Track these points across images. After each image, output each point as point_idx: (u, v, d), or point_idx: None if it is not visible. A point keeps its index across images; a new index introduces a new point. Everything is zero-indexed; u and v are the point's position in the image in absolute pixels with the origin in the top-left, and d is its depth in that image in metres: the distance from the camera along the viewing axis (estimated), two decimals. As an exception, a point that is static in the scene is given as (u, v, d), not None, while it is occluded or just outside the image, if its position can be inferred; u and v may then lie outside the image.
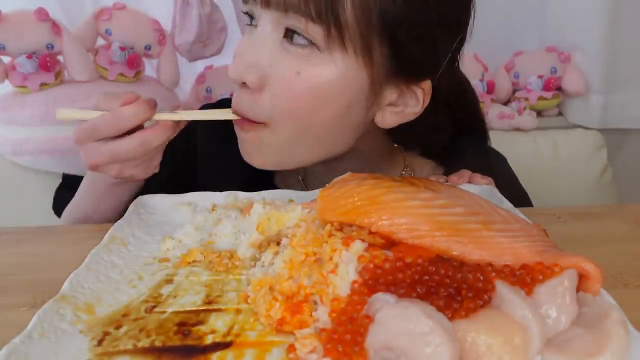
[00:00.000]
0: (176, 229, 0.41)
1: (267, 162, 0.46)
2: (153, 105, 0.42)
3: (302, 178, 0.59)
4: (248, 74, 0.40)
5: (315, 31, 0.38)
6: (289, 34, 0.40)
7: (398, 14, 0.39)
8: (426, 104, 0.45)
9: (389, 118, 0.45)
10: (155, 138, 0.42)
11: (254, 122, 0.43)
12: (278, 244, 0.36)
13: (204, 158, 0.62)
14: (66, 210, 0.55)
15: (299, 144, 0.44)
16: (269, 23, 0.40)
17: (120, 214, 0.43)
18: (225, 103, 0.65)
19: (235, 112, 0.44)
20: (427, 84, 0.44)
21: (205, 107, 0.67)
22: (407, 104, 0.45)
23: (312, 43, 0.39)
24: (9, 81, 0.85)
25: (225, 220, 0.42)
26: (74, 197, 0.54)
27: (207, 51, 1.00)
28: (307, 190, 0.55)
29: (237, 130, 0.46)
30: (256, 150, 0.45)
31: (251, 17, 0.43)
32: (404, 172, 0.56)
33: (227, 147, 0.59)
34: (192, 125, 0.64)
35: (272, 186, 0.59)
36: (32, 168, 0.90)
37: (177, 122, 0.44)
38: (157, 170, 0.47)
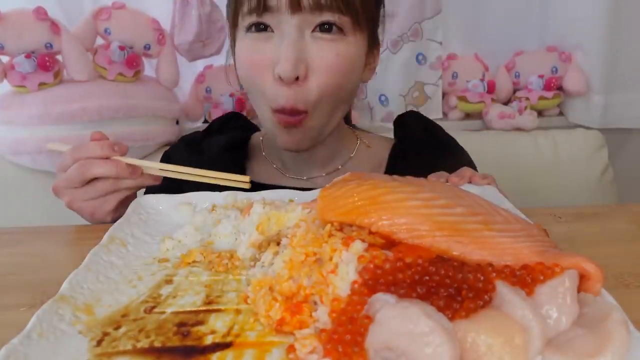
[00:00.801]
0: (176, 229, 0.41)
1: (310, 143, 0.56)
2: (116, 150, 0.49)
3: (277, 167, 0.64)
4: (298, 69, 0.49)
5: (345, 20, 0.50)
6: (319, 27, 0.50)
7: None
8: (378, 59, 0.61)
9: (368, 75, 0.60)
10: (96, 166, 0.48)
11: (299, 112, 0.51)
12: (278, 244, 0.35)
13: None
14: None
15: (331, 118, 0.55)
16: (297, 24, 0.49)
17: None
18: (228, 116, 0.75)
19: (292, 111, 0.51)
20: (379, 44, 0.60)
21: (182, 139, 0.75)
22: (371, 62, 0.59)
23: (341, 30, 0.51)
24: (8, 81, 0.85)
25: (225, 220, 0.42)
26: None
27: (207, 51, 0.99)
28: (287, 174, 0.63)
29: (285, 128, 0.53)
30: (303, 137, 0.54)
31: (259, 24, 0.51)
32: (358, 143, 0.67)
33: (196, 158, 0.65)
34: (166, 155, 0.70)
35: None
36: (31, 168, 0.90)
37: (135, 169, 0.49)
38: (107, 219, 0.51)
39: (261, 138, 0.68)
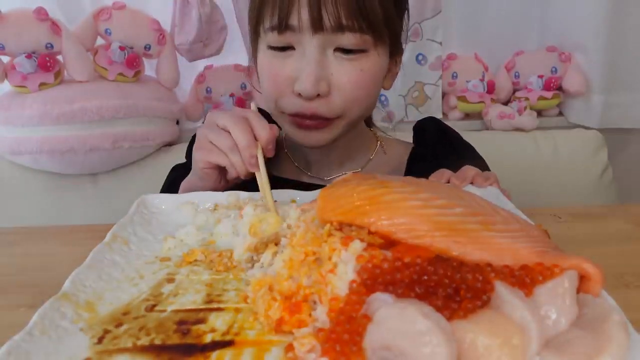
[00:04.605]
0: (178, 229, 0.41)
1: (330, 142, 0.56)
2: (266, 144, 0.47)
3: (299, 165, 0.64)
4: (320, 86, 0.50)
5: (367, 39, 0.50)
6: (341, 49, 0.50)
7: (402, 7, 0.56)
8: (400, 64, 0.62)
9: (389, 81, 0.61)
10: (238, 133, 0.46)
11: (321, 118, 0.53)
12: (276, 244, 0.36)
13: None
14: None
15: (357, 120, 0.57)
16: (318, 43, 0.50)
17: None
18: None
19: (313, 116, 0.53)
20: (402, 51, 0.60)
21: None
22: (393, 69, 0.60)
23: (362, 50, 0.51)
24: (8, 81, 0.85)
25: (225, 220, 0.42)
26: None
27: (207, 51, 0.99)
28: (311, 173, 0.64)
29: (310, 130, 0.54)
30: (328, 136, 0.55)
31: (280, 46, 0.51)
32: (377, 146, 0.67)
33: None
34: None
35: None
36: (31, 168, 0.90)
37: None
38: (217, 188, 0.50)
39: (283, 135, 0.67)
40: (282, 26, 0.49)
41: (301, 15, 0.48)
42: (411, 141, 0.71)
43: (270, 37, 0.51)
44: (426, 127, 0.71)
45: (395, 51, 0.57)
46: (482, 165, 0.65)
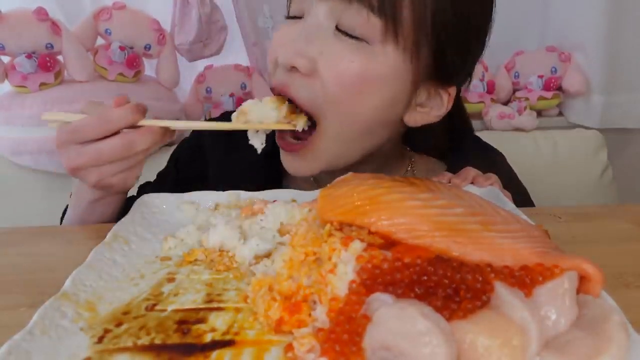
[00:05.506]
0: (178, 228, 0.41)
1: (315, 169, 0.49)
2: (142, 110, 0.43)
3: (314, 179, 0.60)
4: (299, 58, 0.43)
5: (374, 23, 0.42)
6: (342, 27, 0.43)
7: (447, 18, 0.44)
8: (449, 109, 0.49)
9: (416, 117, 0.49)
10: (140, 141, 0.42)
11: (302, 139, 0.46)
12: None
13: (212, 168, 0.62)
14: (64, 222, 0.56)
15: (345, 142, 0.47)
16: (323, 13, 0.43)
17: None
18: (227, 116, 0.68)
19: (285, 95, 0.45)
20: (453, 90, 0.49)
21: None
22: (432, 106, 0.49)
23: (365, 40, 0.42)
24: (9, 81, 0.85)
25: (225, 219, 0.42)
26: (67, 212, 0.53)
27: (207, 51, 1.00)
28: None
29: (285, 147, 0.48)
30: (306, 161, 0.48)
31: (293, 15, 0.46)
32: (408, 169, 0.60)
33: (234, 155, 0.59)
34: (196, 139, 0.64)
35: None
36: (31, 168, 0.90)
37: (166, 130, 0.45)
38: (133, 184, 0.47)
39: None
40: None
41: None
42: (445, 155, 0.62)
43: (290, 6, 0.47)
44: (464, 146, 0.62)
45: (432, 77, 0.46)
46: (523, 194, 0.58)
